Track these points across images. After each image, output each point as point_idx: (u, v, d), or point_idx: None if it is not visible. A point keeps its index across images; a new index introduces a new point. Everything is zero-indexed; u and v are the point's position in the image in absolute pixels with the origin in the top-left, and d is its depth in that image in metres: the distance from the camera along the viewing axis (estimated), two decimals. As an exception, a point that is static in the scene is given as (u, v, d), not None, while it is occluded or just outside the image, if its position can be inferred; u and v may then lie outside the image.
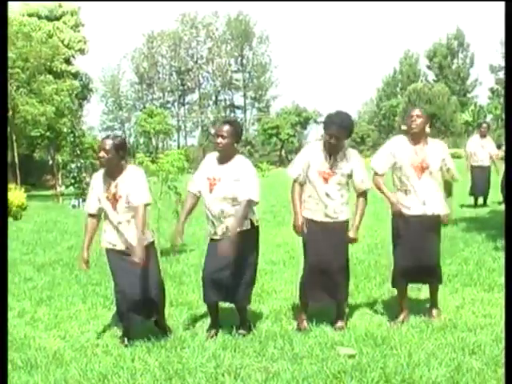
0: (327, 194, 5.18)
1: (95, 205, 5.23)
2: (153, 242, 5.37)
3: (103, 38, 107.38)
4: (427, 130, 5.27)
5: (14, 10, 28.10)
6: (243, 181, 5.06)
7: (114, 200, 5.10)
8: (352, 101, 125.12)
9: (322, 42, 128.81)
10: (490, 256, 7.48)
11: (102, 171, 5.23)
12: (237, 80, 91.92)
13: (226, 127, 5.17)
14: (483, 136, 13.02)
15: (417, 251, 5.24)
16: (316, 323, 5.31)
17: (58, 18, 33.37)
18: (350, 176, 5.22)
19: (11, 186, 23.05)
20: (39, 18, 31.55)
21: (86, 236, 5.28)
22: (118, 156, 5.04)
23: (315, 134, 70.35)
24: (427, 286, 5.61)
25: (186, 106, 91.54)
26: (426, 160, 5.26)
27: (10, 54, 22.38)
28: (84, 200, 21.99)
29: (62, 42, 31.28)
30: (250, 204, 5.08)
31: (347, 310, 5.57)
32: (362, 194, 5.30)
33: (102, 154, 5.03)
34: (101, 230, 5.30)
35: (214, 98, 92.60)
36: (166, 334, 5.35)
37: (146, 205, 5.06)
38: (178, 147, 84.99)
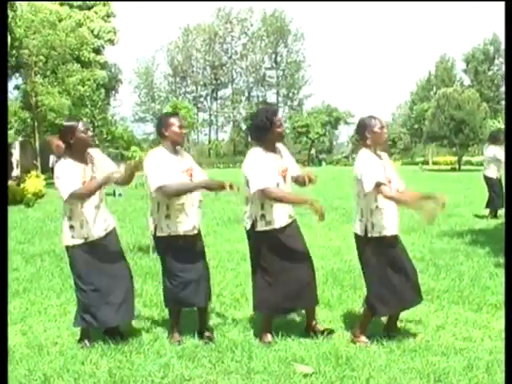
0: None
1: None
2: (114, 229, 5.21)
3: (137, 30, 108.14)
4: None
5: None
6: None
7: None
8: (387, 103, 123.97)
9: (357, 42, 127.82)
10: (488, 272, 7.08)
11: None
12: (270, 77, 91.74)
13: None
14: None
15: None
16: (282, 336, 5.01)
17: (89, 8, 33.47)
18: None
19: (33, 173, 23.21)
20: (71, 7, 31.64)
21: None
22: None
23: (346, 135, 69.79)
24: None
25: (219, 101, 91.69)
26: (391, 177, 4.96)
27: (35, 42, 22.46)
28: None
29: (92, 31, 31.36)
30: None
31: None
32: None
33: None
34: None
35: (246, 93, 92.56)
36: (125, 336, 5.12)
37: None
38: (209, 142, 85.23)
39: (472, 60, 60.36)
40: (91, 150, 5.00)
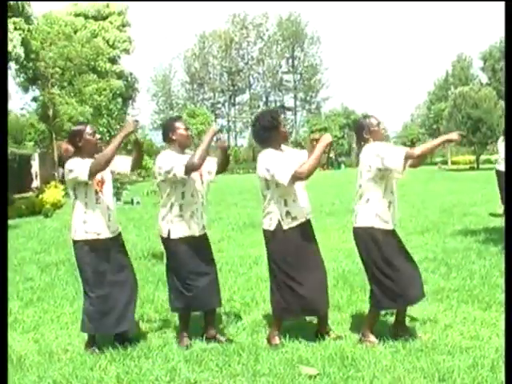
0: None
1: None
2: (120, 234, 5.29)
3: (153, 38, 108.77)
4: None
5: (60, 10, 28.54)
6: None
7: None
8: (405, 103, 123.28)
9: (374, 44, 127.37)
10: (499, 270, 7.02)
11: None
12: (287, 81, 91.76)
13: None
14: None
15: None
16: (290, 338, 5.04)
17: (104, 18, 33.81)
18: None
19: (52, 183, 23.47)
20: (86, 17, 31.99)
21: None
22: None
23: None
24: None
25: (237, 107, 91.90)
26: None
27: (51, 54, 22.75)
28: (118, 199, 22.14)
29: (107, 41, 31.67)
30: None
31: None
32: None
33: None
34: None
35: (264, 98, 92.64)
36: (135, 342, 5.19)
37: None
38: (228, 148, 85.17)
39: (489, 58, 59.75)
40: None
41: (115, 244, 5.15)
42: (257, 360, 4.62)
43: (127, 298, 5.08)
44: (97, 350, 5.05)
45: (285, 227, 4.87)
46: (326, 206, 15.59)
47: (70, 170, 4.88)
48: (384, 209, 4.83)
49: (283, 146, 5.12)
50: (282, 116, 5.25)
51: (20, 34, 18.88)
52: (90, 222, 4.99)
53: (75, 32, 25.61)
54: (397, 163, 4.63)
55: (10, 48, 16.43)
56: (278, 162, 4.80)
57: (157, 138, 77.82)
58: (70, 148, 5.05)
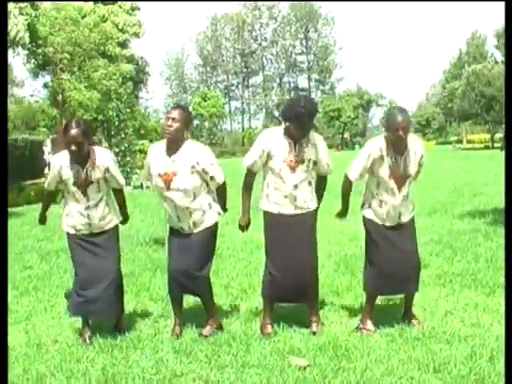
0: (295, 185, 4.76)
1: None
2: (117, 226, 5.13)
3: (164, 21, 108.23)
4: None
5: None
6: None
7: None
8: (420, 83, 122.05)
9: (388, 23, 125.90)
10: (506, 253, 6.82)
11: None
12: (301, 62, 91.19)
13: (179, 111, 4.81)
14: None
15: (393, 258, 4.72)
16: (283, 327, 4.88)
17: (113, 2, 33.52)
18: (315, 162, 4.81)
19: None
20: (95, 2, 31.73)
21: None
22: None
23: (378, 117, 68.86)
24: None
25: (250, 89, 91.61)
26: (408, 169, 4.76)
27: (59, 39, 22.60)
28: (128, 184, 22.09)
29: (117, 25, 31.42)
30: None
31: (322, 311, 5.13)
32: (324, 178, 5.03)
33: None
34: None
35: (278, 80, 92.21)
36: (121, 332, 5.06)
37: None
38: (243, 130, 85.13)
39: (503, 36, 58.91)
40: (98, 149, 4.98)
41: (100, 238, 5.01)
42: (247, 350, 4.47)
43: (102, 290, 4.92)
44: (87, 340, 4.93)
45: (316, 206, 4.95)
46: (334, 187, 15.32)
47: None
48: (375, 204, 4.82)
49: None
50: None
51: (26, 20, 18.71)
52: (69, 216, 5.05)
53: (84, 17, 25.37)
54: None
55: (14, 33, 16.29)
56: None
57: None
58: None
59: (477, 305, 5.19)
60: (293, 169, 4.75)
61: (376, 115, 65.64)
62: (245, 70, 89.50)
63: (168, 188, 4.80)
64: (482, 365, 3.91)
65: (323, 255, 7.40)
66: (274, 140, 4.79)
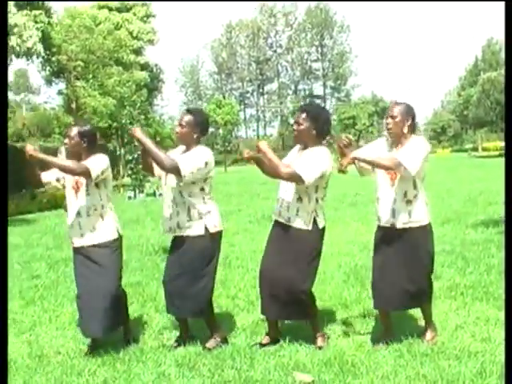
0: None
1: None
2: (117, 240, 4.96)
3: (178, 29, 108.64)
4: (405, 130, 4.53)
5: (84, 4, 28.49)
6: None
7: None
8: (435, 90, 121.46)
9: (403, 30, 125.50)
10: (520, 265, 6.65)
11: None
12: (316, 69, 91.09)
13: (188, 117, 4.71)
14: None
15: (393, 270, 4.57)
16: (289, 341, 4.77)
17: (128, 10, 33.66)
18: None
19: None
20: (110, 10, 31.90)
21: None
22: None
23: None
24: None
25: (265, 96, 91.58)
26: None
27: (73, 47, 22.70)
28: (141, 192, 22.08)
29: (131, 33, 31.53)
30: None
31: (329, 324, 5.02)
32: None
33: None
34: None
35: (293, 87, 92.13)
36: (128, 344, 4.98)
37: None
38: (258, 137, 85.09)
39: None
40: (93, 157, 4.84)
41: (96, 252, 4.86)
42: (251, 365, 4.36)
43: (99, 304, 4.82)
44: (89, 351, 4.86)
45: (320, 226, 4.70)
46: (349, 196, 15.22)
47: None
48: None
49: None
50: None
51: (40, 28, 18.80)
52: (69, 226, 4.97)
53: (98, 24, 25.49)
54: None
55: (29, 44, 16.36)
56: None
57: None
58: None
59: (488, 319, 5.05)
60: None
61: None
62: (260, 77, 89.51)
63: (165, 183, 4.74)
64: (491, 382, 3.78)
65: (333, 266, 7.31)
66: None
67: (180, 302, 4.74)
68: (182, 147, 4.82)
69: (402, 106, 4.52)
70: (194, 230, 4.66)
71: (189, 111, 4.81)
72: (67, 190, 4.91)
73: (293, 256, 4.53)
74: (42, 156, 4.60)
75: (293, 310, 4.63)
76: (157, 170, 4.79)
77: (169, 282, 4.84)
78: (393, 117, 4.49)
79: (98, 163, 4.74)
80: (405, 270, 4.49)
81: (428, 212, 4.57)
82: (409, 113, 4.48)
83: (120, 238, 4.99)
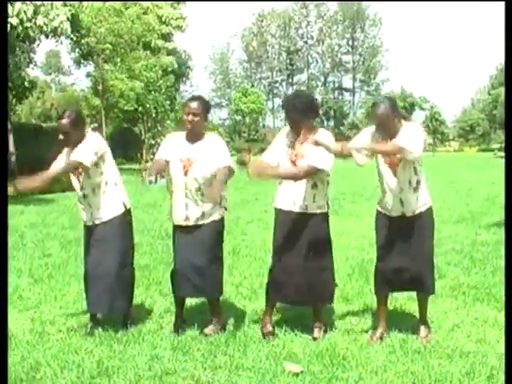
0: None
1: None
2: (124, 214, 5.02)
3: (209, 16, 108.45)
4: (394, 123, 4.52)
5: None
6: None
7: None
8: (464, 88, 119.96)
9: (435, 26, 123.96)
10: (527, 268, 6.59)
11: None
12: (346, 62, 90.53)
13: (197, 104, 4.72)
14: None
15: (399, 253, 4.60)
16: (286, 330, 4.81)
17: (158, -5, 33.70)
18: None
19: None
20: (140, -6, 31.97)
21: None
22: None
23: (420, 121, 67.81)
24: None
25: (294, 87, 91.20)
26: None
27: (101, 29, 22.85)
28: (162, 176, 22.25)
29: (160, 18, 31.58)
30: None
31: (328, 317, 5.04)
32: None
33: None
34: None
35: (322, 79, 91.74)
36: (125, 327, 5.06)
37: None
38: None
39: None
40: (87, 139, 4.92)
41: (101, 229, 4.98)
42: (244, 352, 4.41)
43: (103, 285, 4.91)
44: (88, 330, 4.94)
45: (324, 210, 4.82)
46: (369, 189, 15.14)
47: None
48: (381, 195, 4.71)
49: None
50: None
51: (70, 10, 18.94)
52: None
53: (127, 8, 25.59)
54: None
55: (56, 23, 16.50)
56: None
57: (214, 115, 78.38)
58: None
59: (486, 320, 5.03)
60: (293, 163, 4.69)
61: (418, 119, 64.64)
62: (289, 67, 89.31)
63: (185, 174, 4.75)
64: (479, 383, 3.78)
65: (340, 259, 7.31)
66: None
67: (200, 280, 4.81)
68: (183, 132, 4.86)
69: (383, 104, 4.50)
70: (217, 214, 4.85)
71: (199, 98, 4.83)
72: (71, 175, 5.00)
73: (315, 242, 4.69)
74: (31, 183, 4.87)
75: (320, 294, 4.78)
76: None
77: (187, 263, 4.86)
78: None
79: (87, 149, 4.77)
80: (409, 249, 4.56)
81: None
82: (392, 107, 4.46)
83: (128, 212, 5.07)
